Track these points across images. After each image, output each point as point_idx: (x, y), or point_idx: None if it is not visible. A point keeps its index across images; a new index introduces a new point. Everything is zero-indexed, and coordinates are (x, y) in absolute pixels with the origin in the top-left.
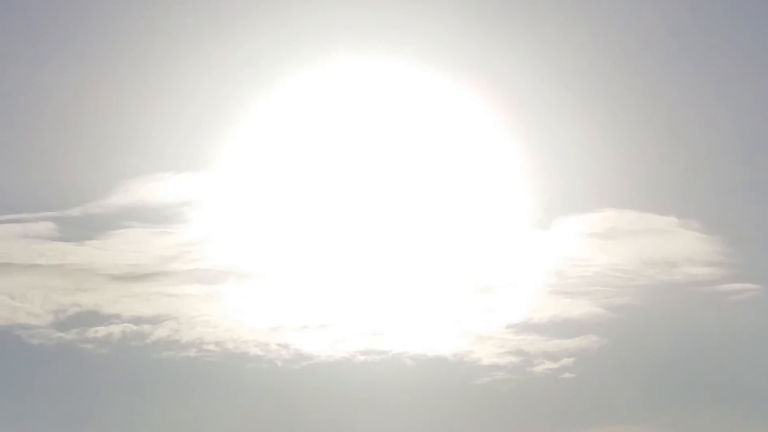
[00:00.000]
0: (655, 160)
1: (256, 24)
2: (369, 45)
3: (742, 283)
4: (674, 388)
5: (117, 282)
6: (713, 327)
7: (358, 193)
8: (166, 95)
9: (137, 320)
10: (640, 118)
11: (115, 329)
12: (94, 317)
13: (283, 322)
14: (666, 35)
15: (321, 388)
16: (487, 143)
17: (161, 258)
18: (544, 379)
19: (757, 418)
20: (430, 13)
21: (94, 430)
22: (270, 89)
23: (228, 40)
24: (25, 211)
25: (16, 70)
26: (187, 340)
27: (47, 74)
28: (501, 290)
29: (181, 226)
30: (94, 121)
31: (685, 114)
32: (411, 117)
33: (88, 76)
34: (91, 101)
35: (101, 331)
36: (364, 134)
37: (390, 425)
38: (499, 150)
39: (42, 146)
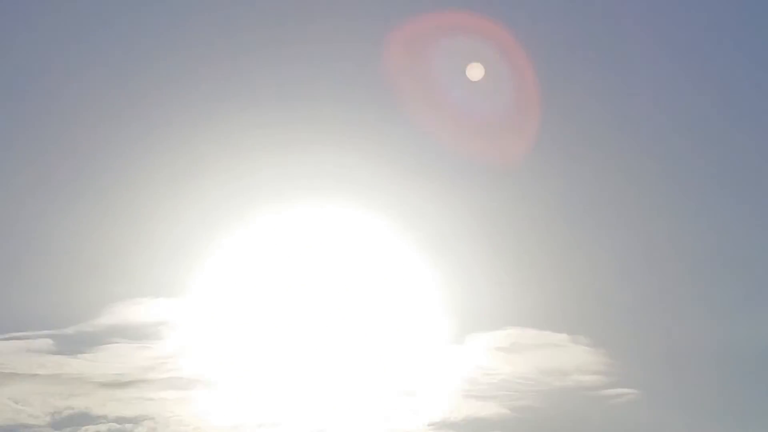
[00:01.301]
0: (550, 286)
1: (237, 167)
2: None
3: (622, 388)
4: None
5: (104, 388)
6: (598, 425)
7: (303, 316)
8: (147, 233)
9: (121, 420)
10: (537, 254)
11: (103, 428)
12: (84, 418)
13: (243, 421)
14: (560, 170)
15: None
16: (409, 275)
17: (141, 368)
18: None
19: None
20: (360, 164)
21: None
22: (237, 228)
23: (206, 181)
24: (27, 329)
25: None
26: None
27: (51, 209)
28: (423, 394)
29: (157, 342)
30: (85, 252)
31: (573, 250)
32: (353, 254)
33: (86, 215)
34: (83, 236)
35: (90, 429)
36: (308, 266)
37: None
38: (419, 280)
39: (42, 274)
